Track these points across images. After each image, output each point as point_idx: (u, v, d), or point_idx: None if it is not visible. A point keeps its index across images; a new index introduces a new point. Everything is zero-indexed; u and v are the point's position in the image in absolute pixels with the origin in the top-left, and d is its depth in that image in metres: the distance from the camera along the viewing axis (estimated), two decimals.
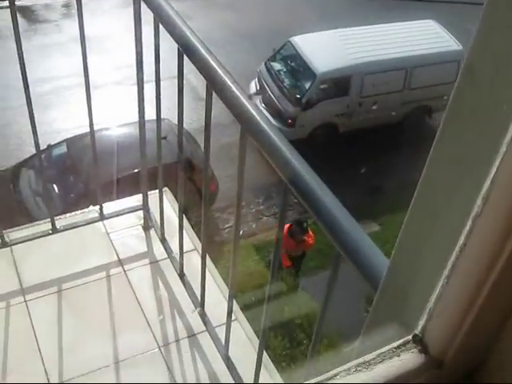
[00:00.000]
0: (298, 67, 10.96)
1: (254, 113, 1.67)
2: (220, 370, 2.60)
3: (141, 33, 2.44)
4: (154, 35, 2.24)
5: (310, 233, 8.44)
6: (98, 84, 9.68)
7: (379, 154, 11.25)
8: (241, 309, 3.01)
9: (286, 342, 6.93)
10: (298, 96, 10.46)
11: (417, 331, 0.68)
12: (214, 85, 1.82)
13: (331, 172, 10.41)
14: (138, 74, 2.54)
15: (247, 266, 8.80)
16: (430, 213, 0.78)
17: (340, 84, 10.64)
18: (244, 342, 2.76)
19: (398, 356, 0.66)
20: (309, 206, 1.45)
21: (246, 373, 2.49)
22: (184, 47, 1.94)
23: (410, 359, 0.66)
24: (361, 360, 0.65)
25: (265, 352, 2.33)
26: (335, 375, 0.63)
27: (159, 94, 2.46)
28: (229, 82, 1.74)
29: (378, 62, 10.64)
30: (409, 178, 11.76)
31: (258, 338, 2.68)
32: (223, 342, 2.54)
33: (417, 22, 11.76)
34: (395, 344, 0.67)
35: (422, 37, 11.33)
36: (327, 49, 10.79)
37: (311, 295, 8.20)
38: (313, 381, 0.63)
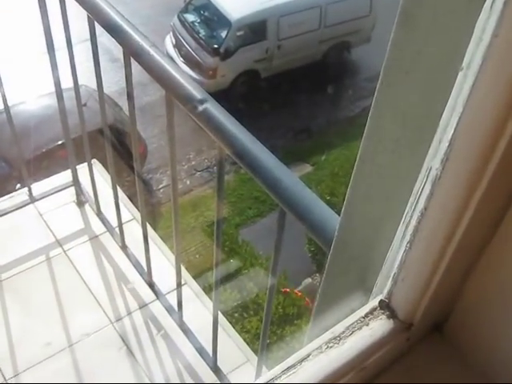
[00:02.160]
0: (211, 16, 10.73)
1: (176, 75, 1.60)
2: (177, 336, 2.59)
3: (45, 3, 2.30)
4: (60, 3, 2.12)
5: None
6: (6, 57, 9.20)
7: (303, 94, 11.28)
8: (187, 269, 2.99)
9: (236, 294, 7.00)
10: (216, 46, 10.28)
11: (382, 297, 0.67)
12: (130, 50, 1.74)
13: (256, 118, 10.43)
14: (47, 42, 2.41)
15: (187, 224, 8.77)
16: (376, 169, 0.76)
17: (256, 29, 10.51)
18: (196, 305, 2.75)
19: (367, 325, 0.64)
20: (246, 165, 1.42)
21: (203, 335, 2.49)
22: (93, 13, 1.84)
23: (379, 326, 0.65)
24: (331, 335, 0.63)
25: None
26: (308, 355, 0.61)
27: (73, 61, 2.35)
28: (146, 47, 1.67)
29: (291, 3, 10.55)
30: (334, 116, 11.92)
31: (210, 298, 2.68)
32: (176, 308, 2.52)
33: None
34: (362, 312, 0.66)
35: None
36: None
37: (253, 245, 8.27)
38: (284, 364, 0.61)
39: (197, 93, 1.52)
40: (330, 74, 11.81)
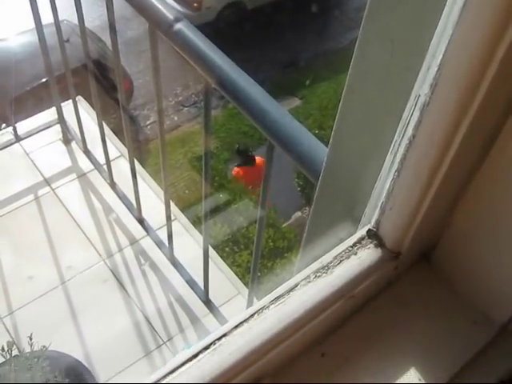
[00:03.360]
0: None
1: (161, 7, 1.56)
2: (168, 271, 2.62)
3: None
4: None
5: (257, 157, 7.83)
6: None
7: (291, 26, 11.06)
8: (176, 204, 2.99)
9: (226, 228, 7.04)
10: None
11: (370, 226, 0.67)
12: None
13: (243, 51, 10.25)
14: None
15: (175, 160, 8.74)
16: (365, 98, 0.74)
17: None
18: (186, 239, 2.77)
19: (355, 254, 0.65)
20: (234, 98, 1.40)
21: (194, 269, 2.52)
22: None
23: (367, 255, 0.65)
24: (319, 265, 0.64)
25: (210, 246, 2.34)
26: (296, 285, 0.62)
27: None
28: None
29: None
30: (323, 48, 11.74)
31: (200, 232, 2.70)
32: (167, 243, 2.54)
33: None
34: (350, 242, 0.66)
35: None
36: None
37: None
38: (273, 294, 0.61)
39: (179, 23, 1.48)
40: (319, 4, 11.55)
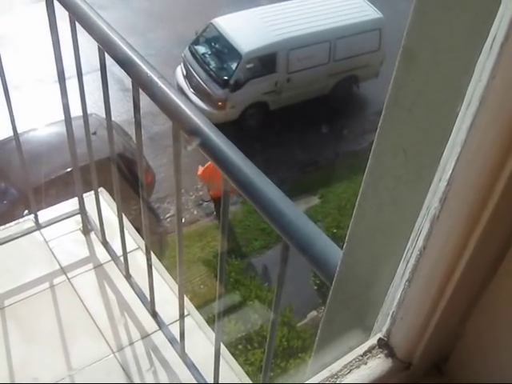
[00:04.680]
0: (222, 49, 10.86)
1: (184, 107, 1.62)
2: (178, 368, 2.56)
3: (57, 32, 2.34)
4: (72, 34, 2.15)
5: None
6: (18, 83, 9.32)
7: (311, 127, 11.34)
8: (191, 299, 2.97)
9: (241, 325, 6.94)
10: (226, 78, 10.38)
11: (381, 335, 0.66)
12: (139, 82, 1.76)
13: (265, 150, 10.48)
14: (58, 71, 2.44)
15: (192, 254, 8.76)
16: (378, 206, 0.76)
17: (266, 62, 10.62)
18: (199, 336, 2.73)
19: (366, 364, 0.64)
20: (251, 198, 1.43)
21: (206, 368, 2.47)
22: (104, 45, 1.86)
23: (377, 365, 0.64)
24: (328, 373, 0.63)
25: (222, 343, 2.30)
26: None
27: (83, 90, 2.38)
28: (155, 78, 1.68)
29: (301, 37, 10.66)
30: (342, 149, 11.95)
31: (213, 329, 2.66)
32: (178, 339, 2.50)
33: None
34: (361, 351, 0.65)
35: (342, 8, 11.41)
36: (250, 28, 10.72)
37: (259, 276, 8.24)
38: None
39: (201, 123, 1.54)
40: (339, 107, 11.88)
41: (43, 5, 2.23)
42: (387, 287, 0.67)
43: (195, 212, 9.86)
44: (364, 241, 0.82)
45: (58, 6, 2.17)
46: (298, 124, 11.28)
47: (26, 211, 7.52)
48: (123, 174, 7.43)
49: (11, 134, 2.73)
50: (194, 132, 1.55)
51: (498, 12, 0.49)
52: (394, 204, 0.74)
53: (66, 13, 2.06)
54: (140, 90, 1.79)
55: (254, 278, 8.06)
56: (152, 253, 2.49)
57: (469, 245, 0.54)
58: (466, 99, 0.50)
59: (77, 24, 2.05)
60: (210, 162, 8.61)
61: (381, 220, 0.78)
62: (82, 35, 2.14)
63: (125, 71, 1.77)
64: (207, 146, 1.51)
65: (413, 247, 0.61)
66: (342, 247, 0.97)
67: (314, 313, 8.27)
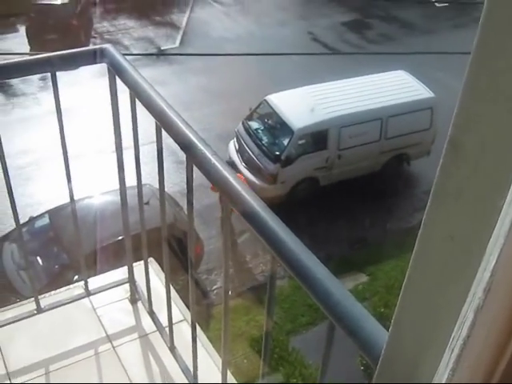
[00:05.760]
0: (275, 125, 11.09)
1: (236, 184, 1.66)
2: None
3: (117, 106, 2.45)
4: (131, 109, 2.25)
5: None
6: (78, 153, 9.69)
7: (361, 204, 11.32)
8: (233, 374, 2.93)
9: None
10: (277, 153, 10.55)
11: None
12: (193, 158, 1.82)
13: (315, 226, 10.47)
14: (116, 143, 2.55)
15: (238, 327, 8.67)
16: (424, 291, 0.76)
17: (318, 138, 10.76)
18: None
19: None
20: (298, 277, 1.43)
21: None
22: (161, 122, 1.94)
23: None
24: None
25: None
26: None
27: (138, 161, 2.46)
28: (208, 155, 1.74)
29: (353, 115, 10.81)
30: (392, 226, 11.84)
31: None
32: None
33: (387, 74, 12.03)
34: None
35: (394, 87, 11.57)
36: (302, 105, 10.95)
37: (304, 353, 8.07)
38: None
39: (252, 201, 1.57)
40: (389, 184, 11.86)
41: (107, 79, 2.36)
42: (432, 374, 0.67)
43: (242, 285, 9.84)
44: (410, 325, 0.82)
45: (119, 81, 2.29)
46: (348, 200, 11.29)
47: (76, 276, 7.68)
48: (173, 244, 7.53)
49: (68, 200, 2.82)
50: (244, 208, 1.59)
51: None
52: (439, 290, 0.74)
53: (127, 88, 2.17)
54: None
55: (299, 355, 7.89)
56: (197, 325, 2.49)
57: None
58: (511, 191, 0.51)
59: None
60: None
61: (427, 305, 0.77)
62: (140, 106, 2.24)
63: (180, 147, 1.84)
64: (255, 221, 1.54)
65: (458, 335, 0.61)
66: (389, 327, 0.97)
67: None
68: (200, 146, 1.77)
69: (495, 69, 0.62)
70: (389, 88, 11.49)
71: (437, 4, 20.35)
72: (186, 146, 1.81)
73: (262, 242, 1.51)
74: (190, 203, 1.95)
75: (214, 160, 1.70)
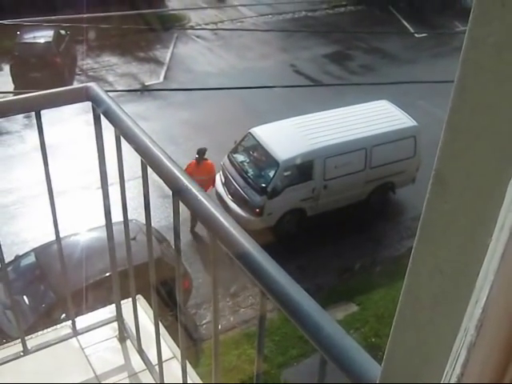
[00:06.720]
0: (260, 157, 11.13)
1: (223, 220, 1.66)
2: None
3: (102, 143, 2.45)
4: (116, 146, 2.25)
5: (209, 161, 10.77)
6: (63, 190, 9.64)
7: (349, 233, 11.34)
8: None
9: None
10: (264, 185, 10.57)
11: None
12: (179, 194, 1.82)
13: (302, 256, 10.45)
14: (101, 179, 2.54)
15: (228, 362, 8.57)
16: (416, 326, 0.75)
17: (303, 169, 10.81)
18: None
19: None
20: (288, 312, 1.42)
21: None
22: (147, 159, 1.95)
23: None
24: None
25: None
26: None
27: (124, 197, 2.45)
28: (194, 191, 1.74)
29: (337, 145, 10.88)
30: (379, 255, 11.86)
31: None
32: None
33: (370, 104, 12.16)
34: None
35: (377, 117, 11.70)
36: (287, 137, 11.02)
37: None
38: None
39: (240, 237, 1.56)
40: (376, 213, 11.90)
41: (91, 116, 2.36)
42: None
43: (231, 319, 9.75)
44: (402, 360, 0.81)
45: (104, 118, 2.30)
46: (335, 230, 11.30)
47: (64, 315, 7.58)
48: (160, 279, 7.46)
49: (51, 238, 2.80)
50: (231, 243, 1.58)
51: None
52: (431, 324, 0.74)
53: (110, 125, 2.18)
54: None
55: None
56: (187, 361, 2.45)
57: (507, 373, 0.53)
58: (496, 231, 0.51)
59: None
60: (190, 163, 10.00)
61: (418, 340, 0.77)
62: (124, 143, 2.24)
63: (166, 184, 1.83)
64: (242, 256, 1.53)
65: (451, 372, 0.60)
66: (381, 358, 0.96)
67: None
68: (185, 181, 1.77)
69: (477, 103, 0.63)
70: (372, 118, 11.61)
71: (416, 35, 20.72)
72: (172, 184, 1.81)
73: (250, 278, 1.50)
74: (177, 249, 1.94)
75: (200, 196, 1.70)
